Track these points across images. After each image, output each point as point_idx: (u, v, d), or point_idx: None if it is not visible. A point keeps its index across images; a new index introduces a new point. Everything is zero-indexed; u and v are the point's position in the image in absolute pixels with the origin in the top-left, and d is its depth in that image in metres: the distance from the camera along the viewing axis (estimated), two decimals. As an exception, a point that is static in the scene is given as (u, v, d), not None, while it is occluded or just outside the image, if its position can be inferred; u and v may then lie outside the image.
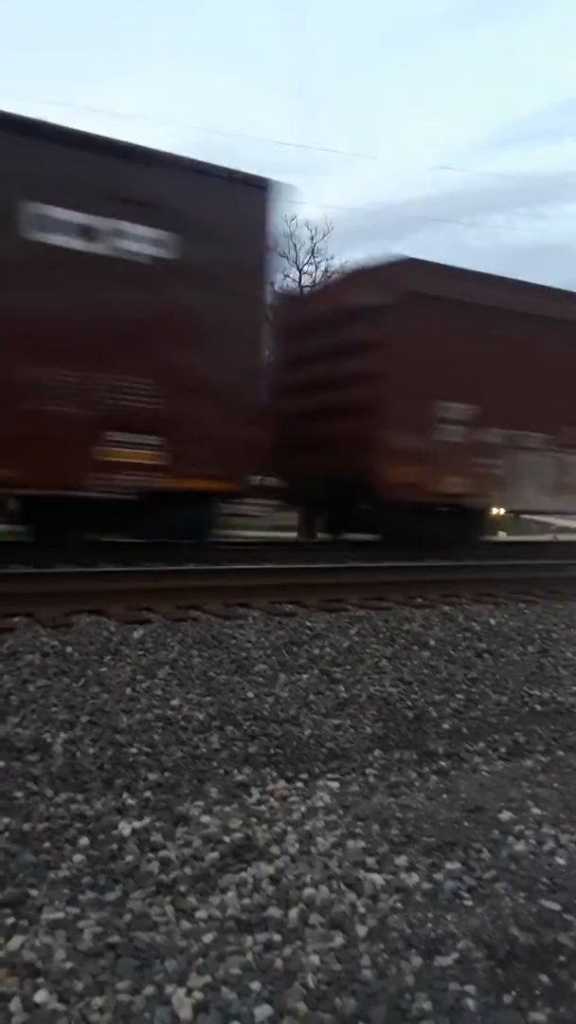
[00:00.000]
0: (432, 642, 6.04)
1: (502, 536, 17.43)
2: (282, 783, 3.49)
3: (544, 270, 41.18)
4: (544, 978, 2.20)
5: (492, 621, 6.46)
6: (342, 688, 4.76)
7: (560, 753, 4.04)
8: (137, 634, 5.07)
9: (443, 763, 3.92)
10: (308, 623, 5.76)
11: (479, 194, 72.30)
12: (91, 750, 3.60)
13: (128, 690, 4.26)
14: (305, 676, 4.84)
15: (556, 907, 2.52)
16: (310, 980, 2.12)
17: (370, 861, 2.78)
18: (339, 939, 2.32)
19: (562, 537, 19.26)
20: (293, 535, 13.22)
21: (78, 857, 2.72)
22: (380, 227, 49.38)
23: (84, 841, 2.84)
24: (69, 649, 4.70)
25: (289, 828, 3.00)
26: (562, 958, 2.28)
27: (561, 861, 2.83)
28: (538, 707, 4.83)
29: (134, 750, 3.65)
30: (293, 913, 2.44)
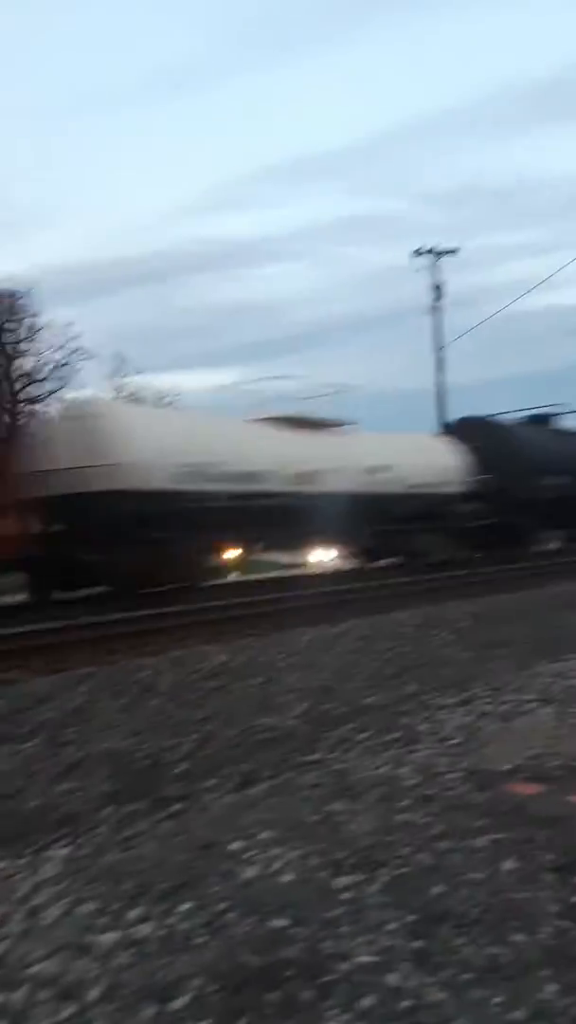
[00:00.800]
0: (163, 688, 6.06)
1: (233, 576, 18.01)
2: (2, 864, 3.29)
3: (243, 328, 43.84)
4: (275, 995, 2.27)
5: (220, 659, 6.62)
6: (72, 750, 4.60)
7: (286, 775, 4.22)
8: None
9: (176, 806, 3.92)
10: (30, 689, 5.52)
11: (182, 256, 75.31)
12: None
13: None
14: (29, 745, 4.62)
15: (284, 923, 2.63)
16: (38, 1061, 2.02)
17: (102, 921, 2.71)
18: (69, 1009, 2.23)
19: (287, 573, 20.32)
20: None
21: None
22: (87, 284, 49.49)
23: None
24: None
25: (13, 908, 2.83)
26: (290, 972, 2.37)
27: (288, 878, 2.96)
28: (265, 735, 5.02)
29: None
30: (19, 995, 2.30)
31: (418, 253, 28.40)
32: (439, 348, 28.15)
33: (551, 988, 2.22)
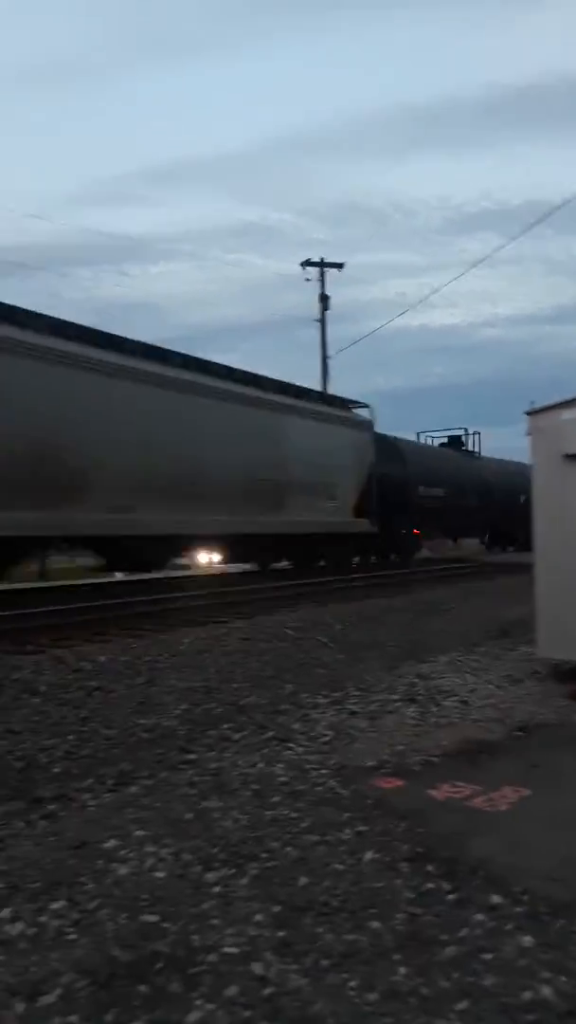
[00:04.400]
0: (43, 688, 6.00)
1: (118, 576, 17.72)
2: None
3: (133, 326, 43.29)
4: (143, 988, 2.37)
5: (102, 659, 6.61)
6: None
7: (163, 774, 4.30)
8: None
9: (51, 807, 3.93)
10: None
11: (70, 248, 73.56)
12: None
13: None
14: None
15: (155, 919, 2.72)
16: None
17: (-28, 925, 2.72)
18: None
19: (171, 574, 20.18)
20: None
21: None
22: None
23: None
24: None
25: None
26: (159, 965, 2.47)
27: (161, 875, 3.05)
28: (144, 735, 5.07)
29: None
30: None
31: (306, 264, 28.83)
32: (325, 358, 28.68)
33: (402, 971, 2.41)
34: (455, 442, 29.78)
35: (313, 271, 29.05)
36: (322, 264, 29.13)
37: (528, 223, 71.69)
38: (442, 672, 6.90)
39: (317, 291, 29.11)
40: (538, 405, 6.65)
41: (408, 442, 25.77)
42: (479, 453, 30.41)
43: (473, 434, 30.58)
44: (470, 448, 30.27)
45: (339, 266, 29.45)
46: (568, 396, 6.49)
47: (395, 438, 24.04)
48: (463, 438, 30.24)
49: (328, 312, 29.12)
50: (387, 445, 22.55)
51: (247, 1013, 2.22)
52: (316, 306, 29.19)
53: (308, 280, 29.02)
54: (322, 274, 29.11)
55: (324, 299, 29.07)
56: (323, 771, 4.28)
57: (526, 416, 6.71)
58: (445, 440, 29.62)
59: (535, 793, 3.91)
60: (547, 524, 6.55)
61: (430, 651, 7.89)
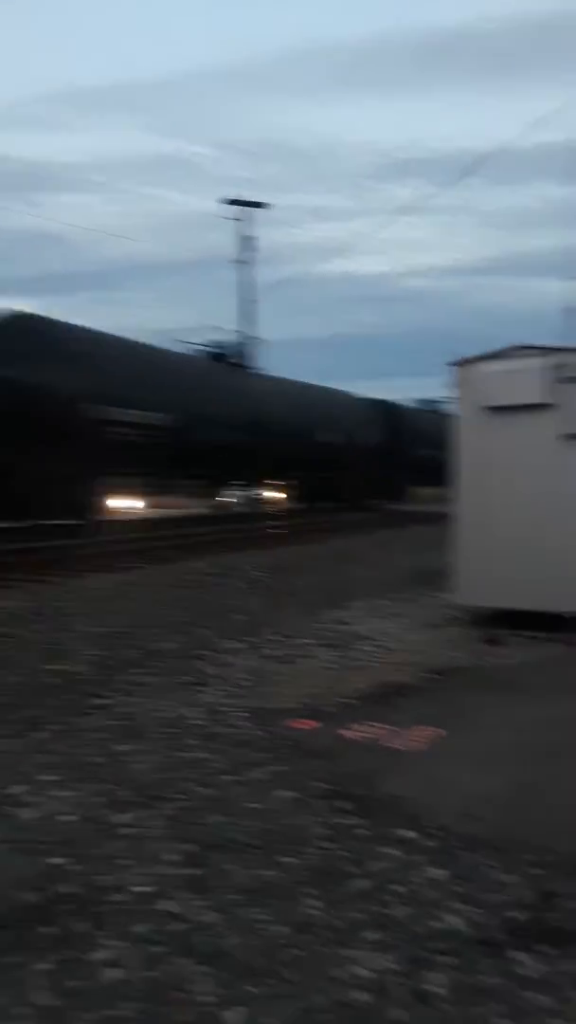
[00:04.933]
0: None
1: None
2: None
3: (44, 258, 41.55)
4: (50, 929, 2.28)
5: (5, 604, 6.39)
6: None
7: (74, 720, 4.18)
8: None
9: (-46, 754, 3.78)
10: None
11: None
12: None
13: None
14: None
15: (61, 861, 2.63)
16: None
17: None
18: None
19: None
20: None
21: None
22: None
23: None
24: None
25: None
26: (65, 906, 2.39)
27: (69, 818, 2.96)
28: (54, 680, 4.93)
29: None
30: None
31: (229, 202, 28.06)
32: (250, 301, 28.15)
33: (313, 903, 2.40)
34: (221, 357, 21.56)
35: (237, 210, 28.26)
36: (246, 203, 28.37)
37: (458, 172, 71.80)
38: (359, 617, 6.96)
39: (241, 231, 28.42)
40: (464, 357, 6.66)
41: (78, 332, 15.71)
42: (258, 371, 22.51)
43: (248, 341, 23.08)
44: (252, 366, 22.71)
45: (264, 205, 28.75)
46: (493, 349, 6.53)
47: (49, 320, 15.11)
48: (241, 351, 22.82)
49: (253, 253, 28.50)
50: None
51: (157, 949, 2.16)
52: (239, 246, 28.50)
53: (231, 219, 28.26)
54: (246, 213, 28.38)
55: (248, 240, 28.41)
56: (239, 714, 4.24)
57: (451, 368, 6.72)
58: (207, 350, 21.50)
59: (449, 733, 3.96)
60: (469, 474, 6.61)
61: (346, 597, 7.94)
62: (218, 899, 2.42)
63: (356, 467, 22.46)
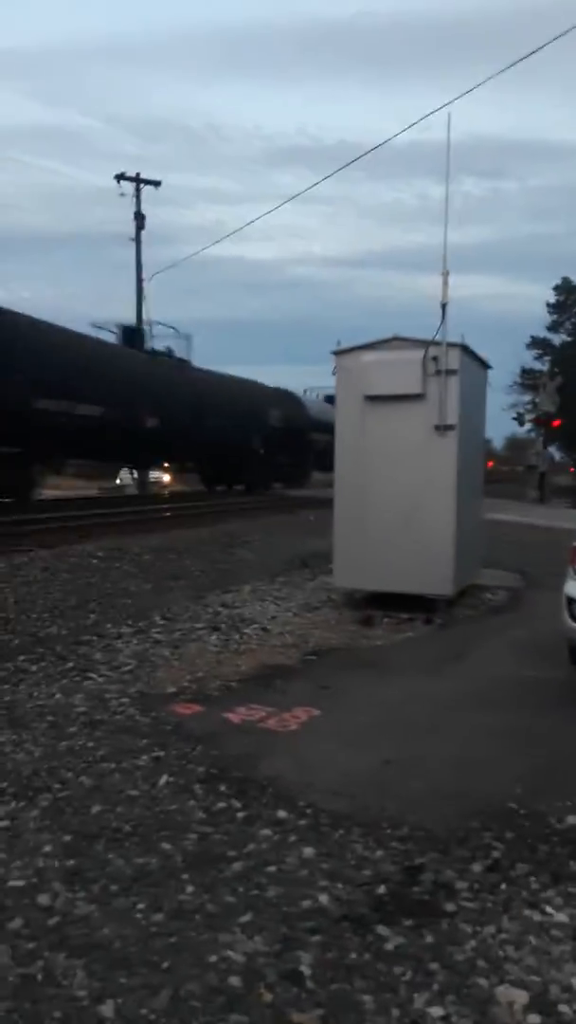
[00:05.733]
0: None
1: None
2: None
3: None
4: None
5: None
6: None
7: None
8: None
9: None
10: None
11: None
12: None
13: None
14: None
15: None
16: None
17: None
18: None
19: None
20: None
21: None
22: None
23: None
24: None
25: None
26: None
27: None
28: None
29: None
30: None
31: (120, 178, 27.26)
32: (141, 280, 27.52)
33: (190, 889, 2.46)
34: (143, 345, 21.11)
35: (128, 187, 27.54)
36: (138, 180, 27.70)
37: (340, 163, 71.98)
38: (245, 601, 7.05)
39: (132, 208, 27.68)
40: (344, 346, 6.79)
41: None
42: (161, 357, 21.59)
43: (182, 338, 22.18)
44: (182, 358, 22.00)
45: (156, 183, 28.12)
46: (372, 340, 6.69)
47: None
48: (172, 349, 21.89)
49: (144, 232, 27.85)
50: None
51: (30, 945, 2.19)
52: (130, 224, 27.79)
53: (123, 195, 27.48)
54: (138, 190, 27.66)
55: (139, 217, 27.74)
56: (123, 700, 4.26)
57: (333, 356, 6.85)
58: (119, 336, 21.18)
59: (323, 713, 4.11)
60: (346, 460, 6.79)
61: (233, 581, 8.02)
62: (94, 890, 2.45)
63: (258, 452, 22.57)
